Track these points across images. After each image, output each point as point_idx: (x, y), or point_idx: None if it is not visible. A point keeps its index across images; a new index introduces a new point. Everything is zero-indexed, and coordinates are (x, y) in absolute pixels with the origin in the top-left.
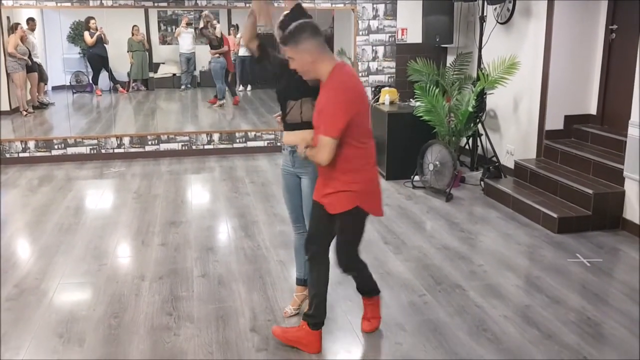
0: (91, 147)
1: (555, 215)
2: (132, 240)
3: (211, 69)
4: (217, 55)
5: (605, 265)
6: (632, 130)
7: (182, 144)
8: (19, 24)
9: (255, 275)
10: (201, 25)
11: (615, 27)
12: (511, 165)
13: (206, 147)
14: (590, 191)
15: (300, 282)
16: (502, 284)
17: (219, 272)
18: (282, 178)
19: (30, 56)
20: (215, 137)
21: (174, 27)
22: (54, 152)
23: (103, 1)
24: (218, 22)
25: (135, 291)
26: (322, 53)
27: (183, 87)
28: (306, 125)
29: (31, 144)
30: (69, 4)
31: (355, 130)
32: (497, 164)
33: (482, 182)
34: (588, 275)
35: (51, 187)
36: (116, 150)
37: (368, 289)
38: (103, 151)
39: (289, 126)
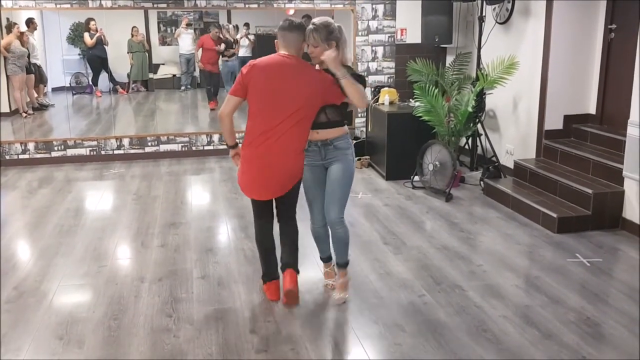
0: (91, 148)
1: (554, 215)
2: (132, 242)
3: (221, 72)
4: (227, 58)
5: (605, 265)
6: (631, 130)
7: (182, 145)
8: (16, 24)
9: (255, 276)
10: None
11: (614, 26)
12: (511, 165)
13: (206, 148)
14: (590, 191)
15: (326, 259)
16: (501, 284)
17: (219, 274)
18: (310, 174)
19: (28, 57)
20: (215, 137)
21: (173, 28)
22: (54, 154)
23: (102, 2)
24: (217, 25)
25: (134, 293)
26: (281, 43)
27: (183, 87)
28: (332, 124)
29: (31, 146)
30: (68, 5)
31: (249, 102)
32: (496, 164)
33: (481, 182)
34: (588, 275)
35: (51, 188)
36: (116, 152)
37: (267, 270)
38: (103, 152)
39: (316, 125)
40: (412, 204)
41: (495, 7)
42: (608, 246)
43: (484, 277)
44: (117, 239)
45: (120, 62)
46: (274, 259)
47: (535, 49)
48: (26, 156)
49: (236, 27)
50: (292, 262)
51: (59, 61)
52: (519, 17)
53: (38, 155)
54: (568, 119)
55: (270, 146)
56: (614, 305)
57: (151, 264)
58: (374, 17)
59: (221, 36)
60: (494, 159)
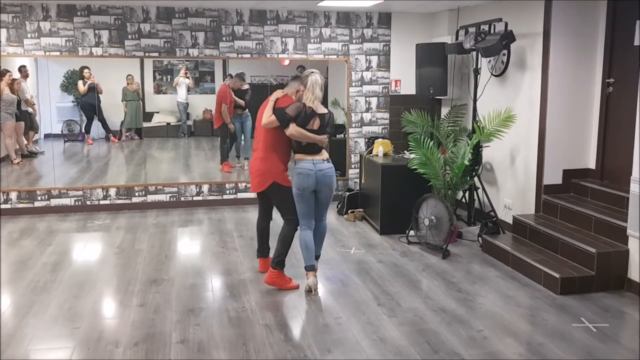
0: (76, 198)
1: (557, 276)
2: (110, 301)
3: (242, 126)
4: (241, 111)
5: (612, 331)
6: (634, 187)
7: (170, 195)
8: (8, 71)
9: (239, 341)
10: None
11: (612, 80)
12: (509, 220)
13: (195, 198)
14: (593, 250)
15: (310, 268)
16: (503, 352)
17: (199, 338)
18: (303, 196)
19: (19, 105)
20: (205, 188)
21: (169, 76)
22: (37, 204)
23: (93, 50)
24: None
25: (107, 359)
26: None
27: (183, 135)
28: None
29: (13, 195)
30: (57, 53)
31: None
32: (494, 218)
33: (480, 238)
34: (594, 342)
35: (31, 240)
36: (102, 202)
37: (258, 247)
38: (88, 203)
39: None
40: (407, 260)
41: (490, 60)
42: (614, 309)
43: (484, 344)
44: (95, 297)
45: (114, 110)
46: (263, 241)
47: (532, 102)
48: (8, 206)
49: (230, 77)
50: (270, 253)
51: (52, 108)
52: (514, 69)
53: (20, 205)
54: (567, 173)
55: (253, 154)
56: None
57: (128, 326)
58: (367, 68)
59: (242, 87)
60: (492, 213)
